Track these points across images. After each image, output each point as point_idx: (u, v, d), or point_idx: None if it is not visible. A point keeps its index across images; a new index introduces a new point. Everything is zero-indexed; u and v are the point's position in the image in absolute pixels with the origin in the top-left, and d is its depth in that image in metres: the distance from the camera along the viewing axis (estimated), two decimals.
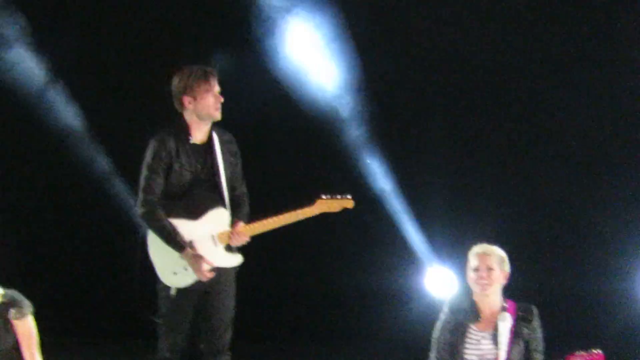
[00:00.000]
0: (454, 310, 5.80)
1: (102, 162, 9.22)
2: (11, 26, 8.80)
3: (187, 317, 6.08)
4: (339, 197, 6.25)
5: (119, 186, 9.17)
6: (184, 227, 6.00)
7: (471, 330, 5.75)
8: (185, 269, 5.97)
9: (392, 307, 9.20)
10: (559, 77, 8.85)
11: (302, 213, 6.16)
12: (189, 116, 6.13)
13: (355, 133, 8.99)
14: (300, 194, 6.28)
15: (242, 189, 6.29)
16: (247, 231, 6.10)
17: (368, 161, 8.94)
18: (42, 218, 9.64)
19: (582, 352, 5.42)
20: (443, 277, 8.89)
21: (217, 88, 6.10)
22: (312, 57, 8.88)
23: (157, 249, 6.01)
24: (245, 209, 6.24)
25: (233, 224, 6.12)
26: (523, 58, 8.90)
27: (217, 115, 6.10)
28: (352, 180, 8.71)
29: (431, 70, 9.05)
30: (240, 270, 6.25)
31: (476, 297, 5.80)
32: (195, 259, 5.94)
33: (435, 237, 9.01)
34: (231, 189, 6.18)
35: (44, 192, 9.62)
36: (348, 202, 6.27)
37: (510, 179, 9.13)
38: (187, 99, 6.08)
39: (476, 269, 5.73)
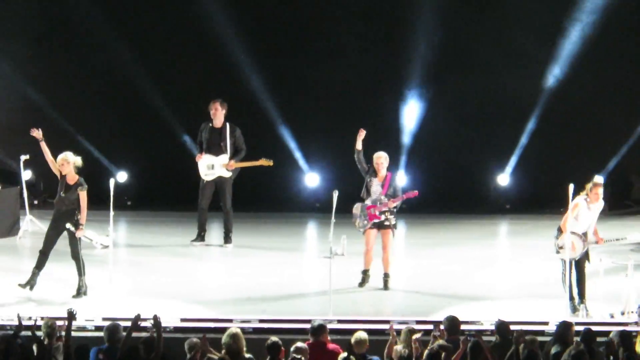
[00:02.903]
0: (367, 173, 12.96)
1: None
2: None
3: (208, 194, 16.00)
4: (269, 159, 16.05)
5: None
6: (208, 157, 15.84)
7: (373, 180, 12.93)
8: (206, 174, 15.82)
9: None
10: None
11: (252, 163, 15.94)
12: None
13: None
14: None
15: (241, 147, 15.95)
16: (233, 164, 15.87)
17: None
18: None
19: (410, 191, 12.85)
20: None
21: (215, 106, 15.74)
22: None
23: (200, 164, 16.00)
24: (239, 156, 15.93)
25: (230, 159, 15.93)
26: None
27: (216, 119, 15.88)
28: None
29: None
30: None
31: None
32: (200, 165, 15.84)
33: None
34: (234, 148, 16.03)
35: None
36: (270, 162, 16.10)
37: None
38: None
39: (376, 163, 12.90)
